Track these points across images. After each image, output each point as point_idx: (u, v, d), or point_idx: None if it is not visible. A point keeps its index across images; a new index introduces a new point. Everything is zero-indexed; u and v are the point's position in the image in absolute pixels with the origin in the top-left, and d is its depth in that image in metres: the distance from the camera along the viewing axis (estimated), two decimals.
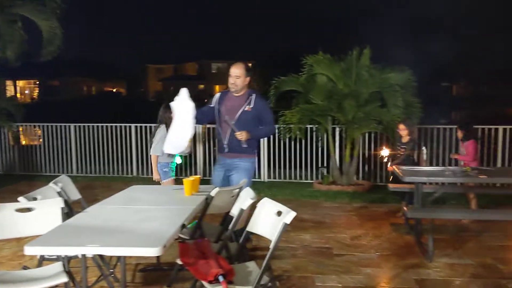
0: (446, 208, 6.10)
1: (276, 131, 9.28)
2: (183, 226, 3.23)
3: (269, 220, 3.27)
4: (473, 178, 5.19)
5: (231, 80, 4.75)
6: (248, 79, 4.79)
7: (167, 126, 5.26)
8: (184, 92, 4.41)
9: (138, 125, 10.14)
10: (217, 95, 5.01)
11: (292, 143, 9.41)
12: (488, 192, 6.70)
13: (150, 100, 63.16)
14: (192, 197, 3.87)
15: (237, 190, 3.94)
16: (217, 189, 3.81)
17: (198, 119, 4.58)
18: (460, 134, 6.37)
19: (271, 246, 3.06)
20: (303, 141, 9.35)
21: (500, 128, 8.73)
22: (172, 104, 4.45)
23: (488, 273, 4.51)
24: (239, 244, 3.51)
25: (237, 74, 4.72)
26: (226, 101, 4.86)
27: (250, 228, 3.38)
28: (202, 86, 64.00)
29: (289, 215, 3.10)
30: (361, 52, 8.48)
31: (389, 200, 7.41)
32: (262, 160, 9.63)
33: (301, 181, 9.36)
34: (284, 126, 8.82)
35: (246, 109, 4.76)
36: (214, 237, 3.82)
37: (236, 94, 4.82)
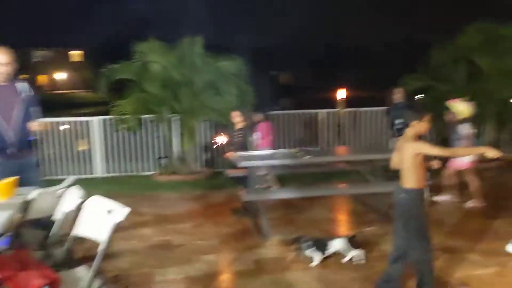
0: (277, 189, 6.48)
1: (110, 122, 8.83)
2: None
3: (99, 220, 3.03)
4: (299, 159, 5.59)
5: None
6: (15, 65, 4.26)
7: None
8: None
9: None
10: None
11: (129, 134, 9.03)
12: (314, 171, 7.32)
13: None
14: (7, 203, 3.41)
15: (62, 190, 3.59)
16: (37, 191, 3.42)
17: None
18: (258, 118, 6.87)
19: (101, 247, 2.86)
20: (141, 132, 9.05)
21: (321, 111, 9.63)
22: None
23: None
24: (65, 250, 3.20)
25: (7, 61, 4.17)
26: None
27: (78, 230, 3.11)
28: (23, 77, 57.65)
29: (121, 213, 2.92)
30: (194, 40, 8.48)
31: (228, 186, 7.60)
32: (96, 154, 9.06)
33: (140, 173, 9.05)
34: (118, 116, 8.40)
35: (24, 97, 4.27)
36: (36, 245, 3.43)
37: (4, 84, 4.24)
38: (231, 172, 6.29)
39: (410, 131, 3.57)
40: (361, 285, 3.99)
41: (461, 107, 6.23)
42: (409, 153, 3.51)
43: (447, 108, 6.49)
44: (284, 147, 8.19)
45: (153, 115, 8.77)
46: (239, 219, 5.92)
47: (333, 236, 4.59)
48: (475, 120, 9.52)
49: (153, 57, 8.48)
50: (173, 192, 7.60)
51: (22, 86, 4.30)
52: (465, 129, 6.14)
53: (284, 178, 7.23)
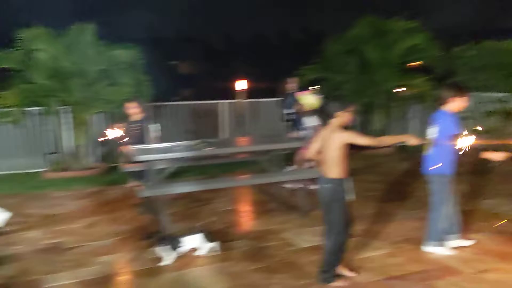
0: (177, 182, 6.28)
1: None
2: None
3: None
4: (200, 151, 5.48)
5: None
6: None
7: None
8: None
9: None
10: None
11: (13, 128, 8.23)
12: (216, 162, 7.26)
13: None
14: None
15: None
16: None
17: None
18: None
19: None
20: (26, 126, 8.31)
21: (221, 102, 9.60)
22: None
23: (220, 237, 4.86)
24: None
25: None
26: None
27: None
28: None
29: (1, 217, 2.60)
30: (84, 28, 7.93)
31: (126, 181, 7.26)
32: None
33: (28, 171, 8.31)
34: (0, 109, 7.62)
35: None
36: None
37: None
38: (127, 167, 6.00)
39: (335, 122, 3.62)
40: (263, 275, 4.02)
41: (309, 99, 6.41)
42: (337, 143, 3.54)
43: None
44: (185, 139, 8.00)
45: (41, 107, 8.10)
46: (137, 215, 5.68)
47: (187, 232, 4.52)
48: (365, 109, 10.18)
49: (38, 45, 7.79)
50: (64, 189, 7.08)
51: None
52: (312, 121, 6.33)
53: (186, 170, 7.07)
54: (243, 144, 6.31)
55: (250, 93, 9.85)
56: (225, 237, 4.85)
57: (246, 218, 5.79)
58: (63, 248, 4.70)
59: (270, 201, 6.22)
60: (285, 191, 6.38)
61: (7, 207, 4.95)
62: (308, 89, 6.83)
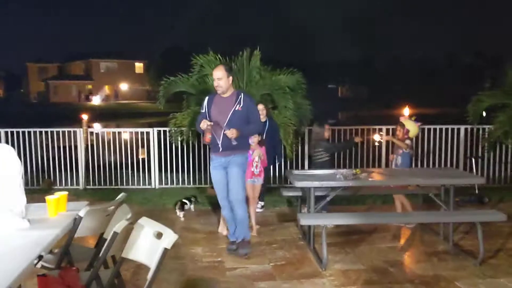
0: (336, 212, 6.02)
1: (168, 134, 8.79)
2: (40, 257, 2.65)
3: (146, 243, 2.80)
4: (363, 181, 5.16)
5: (215, 83, 4.86)
6: (230, 78, 4.85)
7: None
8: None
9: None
10: (205, 99, 5.03)
11: (184, 146, 8.93)
12: (378, 193, 6.86)
13: (33, 102, 59.18)
14: (57, 219, 3.25)
15: (112, 207, 3.41)
16: (87, 208, 3.24)
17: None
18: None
19: (150, 275, 2.62)
20: (195, 145, 8.93)
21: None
22: None
23: (381, 277, 4.46)
24: (112, 273, 2.97)
25: (219, 76, 4.77)
26: (215, 103, 4.91)
27: (126, 253, 2.88)
28: (90, 86, 61.01)
29: (170, 239, 2.66)
30: (252, 53, 8.25)
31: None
32: (152, 165, 9.04)
33: (193, 186, 8.90)
34: (176, 129, 8.32)
35: (237, 108, 4.79)
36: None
37: (224, 95, 4.87)
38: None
39: None
40: None
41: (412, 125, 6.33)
42: None
43: None
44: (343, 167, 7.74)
45: None
46: (294, 242, 5.54)
47: None
48: None
49: (210, 70, 8.31)
50: None
51: (241, 98, 4.90)
52: None
53: (341, 198, 6.78)
54: (413, 176, 5.73)
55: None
56: (389, 279, 4.42)
57: (411, 259, 5.22)
58: (223, 267, 4.75)
59: (439, 242, 5.56)
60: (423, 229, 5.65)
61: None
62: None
